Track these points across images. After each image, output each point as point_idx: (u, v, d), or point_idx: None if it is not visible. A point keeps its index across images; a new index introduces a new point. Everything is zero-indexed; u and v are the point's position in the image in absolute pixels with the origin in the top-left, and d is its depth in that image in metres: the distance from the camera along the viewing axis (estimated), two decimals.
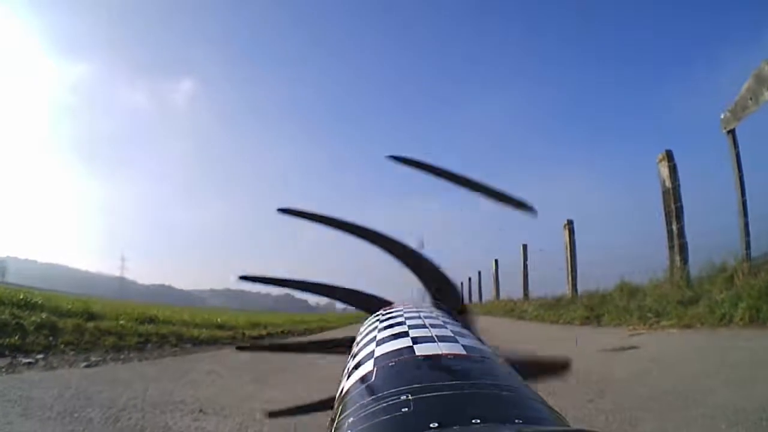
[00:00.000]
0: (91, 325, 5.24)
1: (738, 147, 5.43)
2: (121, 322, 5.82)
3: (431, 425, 0.23)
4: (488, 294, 15.74)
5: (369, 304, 0.74)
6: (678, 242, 6.21)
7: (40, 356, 3.77)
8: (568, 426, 0.26)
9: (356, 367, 0.38)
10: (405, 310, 0.56)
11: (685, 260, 6.11)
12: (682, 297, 5.00)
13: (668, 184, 6.38)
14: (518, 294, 11.08)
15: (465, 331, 0.45)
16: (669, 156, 6.46)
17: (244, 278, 0.76)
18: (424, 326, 0.45)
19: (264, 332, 8.13)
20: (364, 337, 0.50)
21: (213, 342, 6.45)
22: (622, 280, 7.14)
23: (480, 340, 0.44)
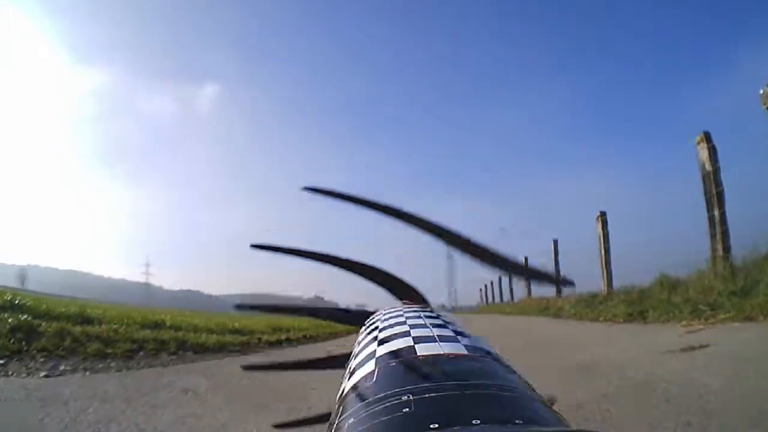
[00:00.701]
0: (78, 329, 4.69)
1: None
2: (115, 326, 5.24)
3: (432, 426, 0.22)
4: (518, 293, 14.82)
5: (399, 290, 0.69)
6: (720, 229, 5.54)
7: (1, 362, 3.21)
8: (569, 426, 0.25)
9: (357, 367, 0.36)
10: (406, 310, 0.54)
11: (727, 249, 5.44)
12: (735, 287, 4.30)
13: (708, 167, 5.70)
14: (548, 292, 10.24)
15: (466, 331, 0.42)
16: (707, 137, 5.78)
17: (255, 247, 0.70)
18: (425, 326, 0.43)
19: (283, 337, 7.36)
20: (366, 336, 0.48)
21: (219, 349, 5.75)
22: (661, 273, 6.43)
23: (481, 339, 0.40)
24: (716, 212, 5.53)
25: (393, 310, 0.56)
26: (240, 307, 0.79)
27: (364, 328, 0.56)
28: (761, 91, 4.74)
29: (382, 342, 0.40)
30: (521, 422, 0.23)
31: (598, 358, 2.74)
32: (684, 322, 3.92)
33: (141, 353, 4.64)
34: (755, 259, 4.75)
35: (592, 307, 7.37)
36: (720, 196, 5.55)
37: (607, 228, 8.20)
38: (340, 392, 0.35)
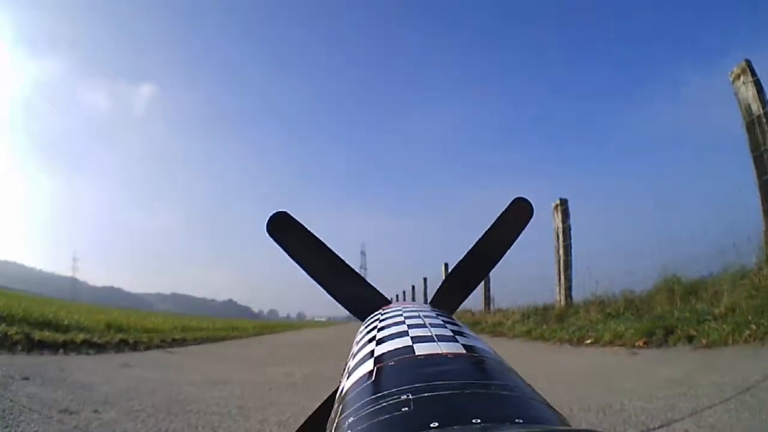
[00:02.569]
0: None
1: None
2: None
3: (431, 425, 0.22)
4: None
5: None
6: None
7: None
8: (569, 426, 0.24)
9: (356, 366, 0.36)
10: (404, 310, 0.52)
11: None
12: None
13: (757, 108, 3.71)
14: (472, 304, 7.88)
15: (465, 331, 0.41)
16: (751, 69, 3.80)
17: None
18: (423, 326, 0.41)
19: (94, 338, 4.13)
20: (364, 336, 0.47)
21: None
22: (666, 273, 4.26)
23: (480, 339, 0.39)
24: None
25: (392, 309, 0.54)
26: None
27: (363, 327, 0.54)
28: None
29: (380, 342, 0.39)
30: (521, 421, 0.22)
31: None
32: None
33: None
34: None
35: (551, 324, 5.07)
36: None
37: (568, 220, 5.81)
38: (339, 391, 0.34)
